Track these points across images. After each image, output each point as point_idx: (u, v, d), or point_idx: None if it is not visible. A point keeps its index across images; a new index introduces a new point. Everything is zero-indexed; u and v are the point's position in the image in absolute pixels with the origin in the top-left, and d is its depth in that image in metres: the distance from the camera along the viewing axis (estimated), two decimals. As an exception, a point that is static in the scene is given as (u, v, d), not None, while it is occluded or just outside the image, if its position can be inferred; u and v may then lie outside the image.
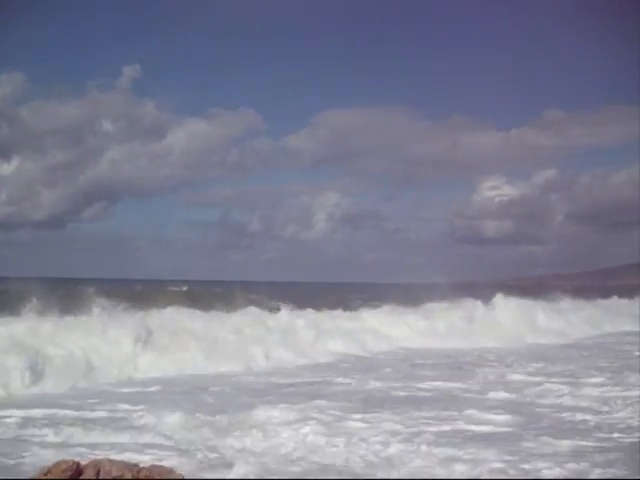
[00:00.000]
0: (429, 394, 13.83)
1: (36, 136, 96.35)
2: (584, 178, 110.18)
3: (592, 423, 10.52)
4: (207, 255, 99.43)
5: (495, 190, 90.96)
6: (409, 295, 31.69)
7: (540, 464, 8.17)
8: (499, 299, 31.95)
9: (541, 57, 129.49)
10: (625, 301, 42.26)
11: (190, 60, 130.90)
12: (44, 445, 9.00)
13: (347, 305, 30.45)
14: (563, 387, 13.90)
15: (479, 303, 31.21)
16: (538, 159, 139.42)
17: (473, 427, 10.38)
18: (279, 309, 25.04)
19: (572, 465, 8.11)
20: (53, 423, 10.31)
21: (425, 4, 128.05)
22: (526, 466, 8.11)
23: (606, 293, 45.12)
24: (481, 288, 38.28)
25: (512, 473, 7.91)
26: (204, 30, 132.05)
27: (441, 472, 7.99)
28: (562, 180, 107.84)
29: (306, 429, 9.91)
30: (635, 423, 10.32)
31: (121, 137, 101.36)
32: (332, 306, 28.34)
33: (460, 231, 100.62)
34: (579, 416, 11.05)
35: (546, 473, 7.89)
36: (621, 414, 10.97)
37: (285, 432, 9.78)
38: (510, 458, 8.44)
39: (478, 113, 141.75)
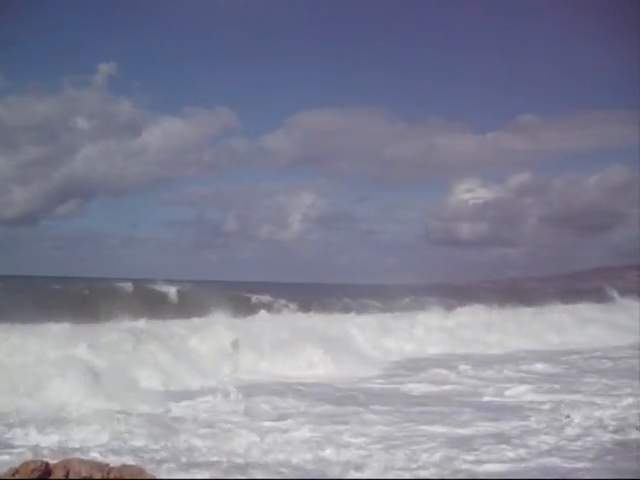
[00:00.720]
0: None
1: (9, 132, 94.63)
2: (558, 182, 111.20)
3: (546, 428, 10.58)
4: (182, 254, 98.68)
5: (470, 193, 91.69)
6: (389, 298, 31.61)
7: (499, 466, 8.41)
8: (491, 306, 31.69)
9: (519, 61, 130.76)
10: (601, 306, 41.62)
11: (166, 58, 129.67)
12: (14, 446, 8.94)
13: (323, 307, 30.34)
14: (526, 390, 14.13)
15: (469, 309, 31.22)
16: (513, 163, 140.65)
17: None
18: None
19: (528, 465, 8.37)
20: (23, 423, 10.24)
21: (402, 6, 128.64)
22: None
23: (580, 297, 44.80)
24: (463, 291, 38.31)
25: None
26: (180, 28, 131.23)
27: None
28: (536, 183, 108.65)
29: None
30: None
31: (96, 134, 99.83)
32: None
33: (435, 233, 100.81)
34: (533, 421, 11.13)
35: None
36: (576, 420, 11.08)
37: (247, 429, 10.09)
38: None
39: (456, 116, 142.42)
